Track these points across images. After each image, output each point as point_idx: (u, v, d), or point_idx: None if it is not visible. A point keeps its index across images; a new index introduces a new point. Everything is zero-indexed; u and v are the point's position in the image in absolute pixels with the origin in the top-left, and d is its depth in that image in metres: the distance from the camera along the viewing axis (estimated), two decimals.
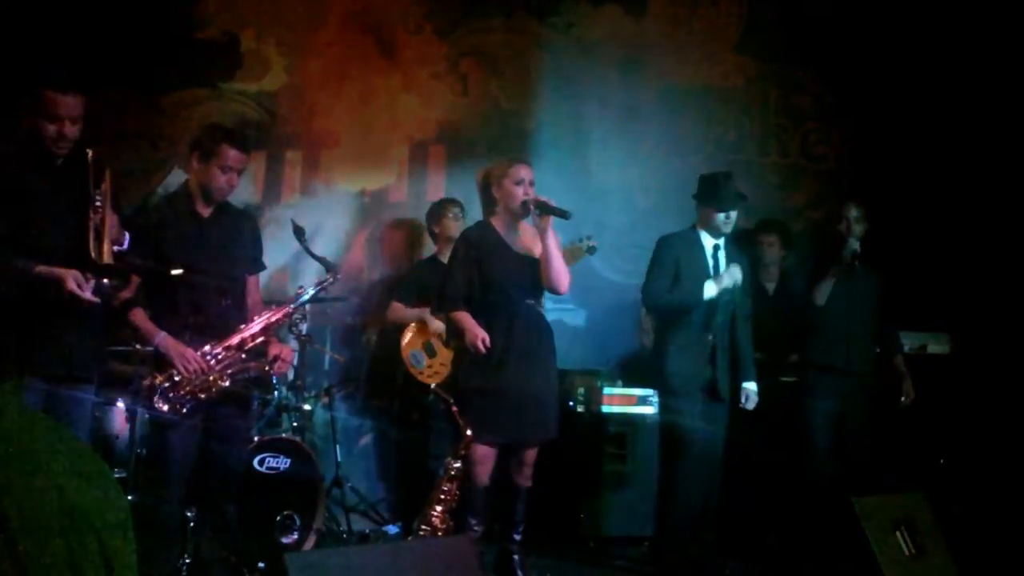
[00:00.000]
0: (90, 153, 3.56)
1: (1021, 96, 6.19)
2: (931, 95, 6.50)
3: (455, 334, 4.70)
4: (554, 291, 4.71)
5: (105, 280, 3.54)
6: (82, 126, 3.67)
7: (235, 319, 4.13)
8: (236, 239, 4.20)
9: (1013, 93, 6.23)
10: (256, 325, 4.12)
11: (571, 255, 5.34)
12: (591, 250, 5.48)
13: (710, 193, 5.06)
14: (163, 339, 3.94)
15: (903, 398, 5.50)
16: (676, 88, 6.74)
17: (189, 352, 3.94)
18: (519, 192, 4.58)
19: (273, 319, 4.17)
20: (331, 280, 4.32)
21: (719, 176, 5.14)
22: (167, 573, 4.07)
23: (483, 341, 4.44)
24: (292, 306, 4.31)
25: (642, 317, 6.39)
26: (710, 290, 4.96)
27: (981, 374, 5.83)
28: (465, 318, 4.53)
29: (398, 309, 5.74)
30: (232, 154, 4.03)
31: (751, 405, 5.09)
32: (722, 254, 5.10)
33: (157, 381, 3.91)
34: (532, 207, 4.58)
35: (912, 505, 4.64)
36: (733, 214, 5.02)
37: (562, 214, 4.54)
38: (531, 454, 4.67)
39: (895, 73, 6.61)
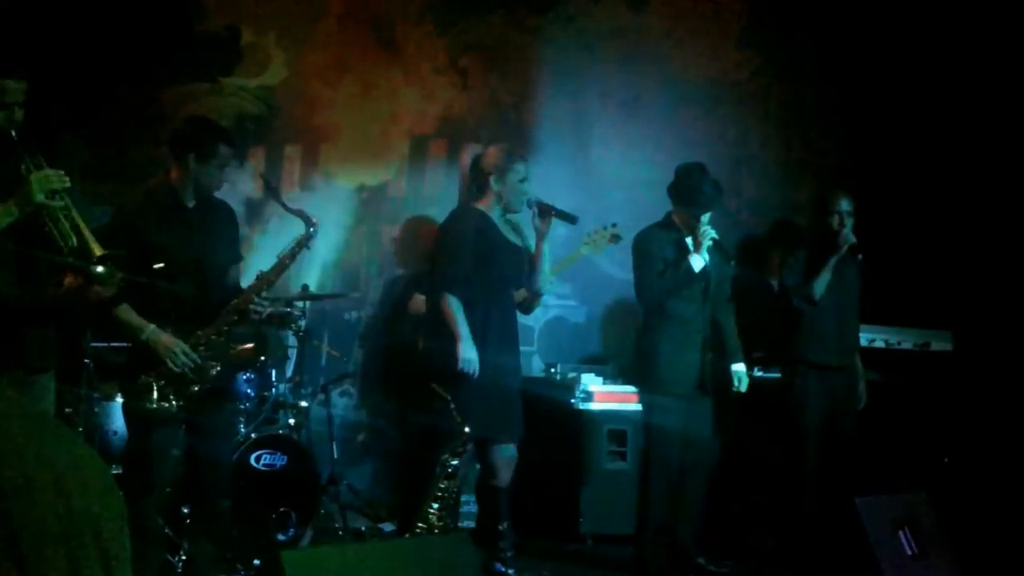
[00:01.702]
0: (13, 133, 3.49)
1: None
2: (935, 89, 6.44)
3: (440, 319, 4.59)
4: (537, 292, 4.75)
5: (100, 268, 3.48)
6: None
7: (217, 310, 4.07)
8: (219, 229, 4.17)
9: (1018, 88, 6.17)
10: (240, 303, 4.01)
11: (595, 244, 5.27)
12: (614, 239, 5.38)
13: (685, 194, 4.94)
14: (153, 333, 3.87)
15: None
16: (678, 82, 6.69)
17: (179, 346, 3.89)
18: (523, 190, 4.56)
19: (253, 292, 4.03)
20: (311, 232, 4.14)
21: (694, 173, 4.97)
22: (160, 572, 4.05)
23: (476, 368, 4.41)
24: (271, 275, 4.09)
25: None
26: (698, 263, 4.89)
27: (985, 372, 5.78)
28: (460, 317, 4.46)
29: (420, 301, 5.71)
30: (227, 151, 4.06)
31: (744, 387, 5.04)
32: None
33: (151, 379, 3.85)
34: (535, 208, 4.54)
35: (915, 505, 4.61)
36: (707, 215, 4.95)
37: (569, 219, 4.53)
38: (513, 454, 4.66)
39: (899, 67, 6.55)
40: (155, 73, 5.99)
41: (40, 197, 3.41)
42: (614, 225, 5.20)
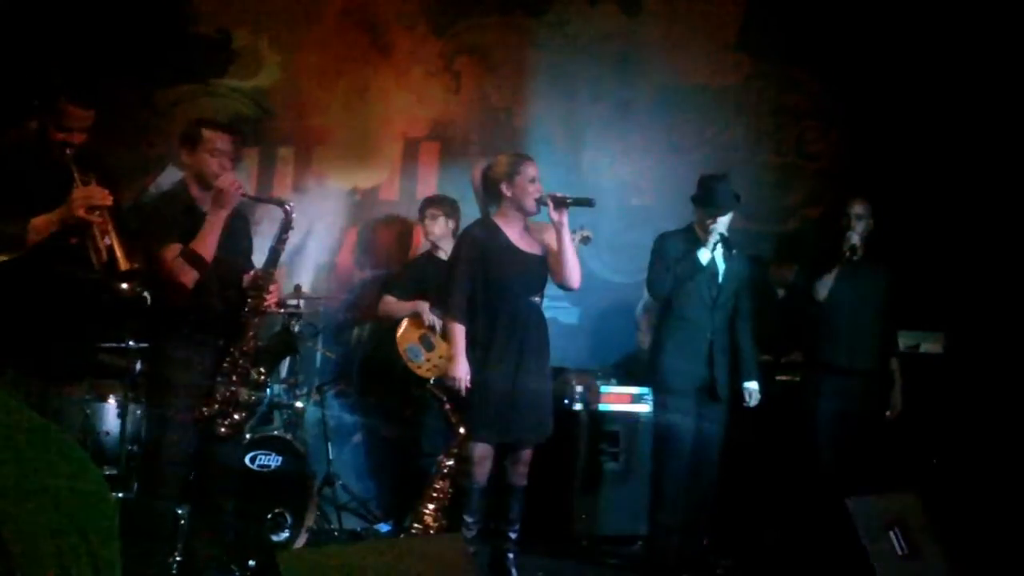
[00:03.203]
0: (68, 152, 3.58)
1: (1018, 94, 6.18)
2: (928, 93, 6.48)
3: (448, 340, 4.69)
4: (567, 287, 4.71)
5: (124, 285, 3.53)
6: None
7: (236, 317, 4.08)
8: (235, 235, 4.16)
9: (1010, 91, 6.21)
10: (256, 305, 4.06)
11: None
12: (585, 240, 5.45)
13: (702, 195, 5.05)
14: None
15: (888, 412, 5.42)
16: (671, 86, 6.72)
17: None
18: (534, 190, 4.55)
19: (262, 291, 4.06)
20: (290, 213, 4.10)
21: (714, 178, 5.11)
22: (158, 571, 4.05)
23: (464, 384, 4.44)
24: (269, 267, 4.09)
25: (638, 316, 6.37)
26: (704, 256, 4.95)
27: (975, 373, 5.81)
28: (459, 340, 4.48)
29: (390, 303, 5.70)
30: (217, 136, 4.04)
31: (754, 402, 5.09)
32: (719, 252, 5.08)
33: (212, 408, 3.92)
34: (550, 203, 4.53)
35: (905, 505, 4.63)
36: (723, 219, 5.00)
37: (586, 203, 4.54)
38: (528, 453, 4.65)
39: (891, 71, 6.59)
40: (148, 75, 6.00)
41: (80, 211, 3.48)
42: (582, 228, 5.26)
